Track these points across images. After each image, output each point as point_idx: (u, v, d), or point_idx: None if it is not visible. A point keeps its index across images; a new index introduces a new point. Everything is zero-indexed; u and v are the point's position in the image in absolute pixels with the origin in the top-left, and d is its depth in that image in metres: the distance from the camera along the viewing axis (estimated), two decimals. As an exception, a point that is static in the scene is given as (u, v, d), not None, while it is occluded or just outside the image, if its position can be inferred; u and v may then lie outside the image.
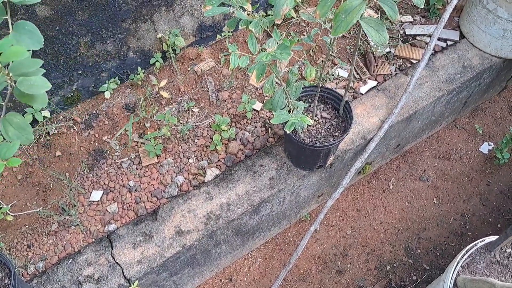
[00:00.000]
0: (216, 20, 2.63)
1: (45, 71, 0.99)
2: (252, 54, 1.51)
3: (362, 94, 2.61)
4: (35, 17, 1.92)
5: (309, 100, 2.18)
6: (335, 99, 2.17)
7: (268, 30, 1.62)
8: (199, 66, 2.63)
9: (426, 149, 3.07)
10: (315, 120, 2.15)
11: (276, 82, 1.78)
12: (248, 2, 1.39)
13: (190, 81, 2.59)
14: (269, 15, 2.59)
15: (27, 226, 2.07)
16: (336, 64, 2.72)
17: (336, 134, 2.10)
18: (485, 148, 3.05)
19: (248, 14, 1.49)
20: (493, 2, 2.51)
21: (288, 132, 1.60)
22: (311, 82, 1.98)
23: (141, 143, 2.36)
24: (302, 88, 2.02)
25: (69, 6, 1.97)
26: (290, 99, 1.88)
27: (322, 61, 2.70)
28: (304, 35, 2.78)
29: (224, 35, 2.71)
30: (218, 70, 2.65)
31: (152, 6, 2.26)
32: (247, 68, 2.61)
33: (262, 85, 2.60)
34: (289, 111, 1.80)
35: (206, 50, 2.70)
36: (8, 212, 2.04)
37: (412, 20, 2.97)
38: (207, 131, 2.42)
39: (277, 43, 1.43)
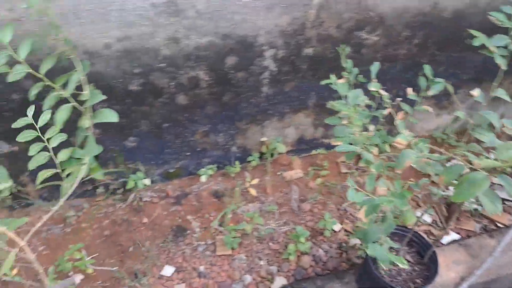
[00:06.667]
0: (316, 136, 2.83)
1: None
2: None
3: (443, 244, 2.57)
4: (174, 104, 2.21)
5: (396, 238, 2.19)
6: (422, 245, 2.16)
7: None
8: (288, 173, 2.78)
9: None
10: (396, 260, 2.13)
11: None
12: (375, 147, 1.53)
13: (277, 185, 2.73)
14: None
15: (99, 283, 2.16)
16: (420, 207, 2.74)
17: (417, 281, 2.06)
18: None
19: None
20: None
21: (382, 273, 1.62)
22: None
23: (220, 231, 2.45)
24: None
25: (203, 99, 2.26)
26: (382, 235, 1.92)
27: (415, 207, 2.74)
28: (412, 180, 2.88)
29: (319, 152, 2.89)
30: (304, 181, 2.78)
31: (267, 114, 2.52)
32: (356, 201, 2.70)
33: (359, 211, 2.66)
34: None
35: (298, 160, 2.87)
36: (90, 264, 2.15)
37: (503, 182, 2.98)
38: (283, 237, 2.48)
39: (395, 188, 1.52)
